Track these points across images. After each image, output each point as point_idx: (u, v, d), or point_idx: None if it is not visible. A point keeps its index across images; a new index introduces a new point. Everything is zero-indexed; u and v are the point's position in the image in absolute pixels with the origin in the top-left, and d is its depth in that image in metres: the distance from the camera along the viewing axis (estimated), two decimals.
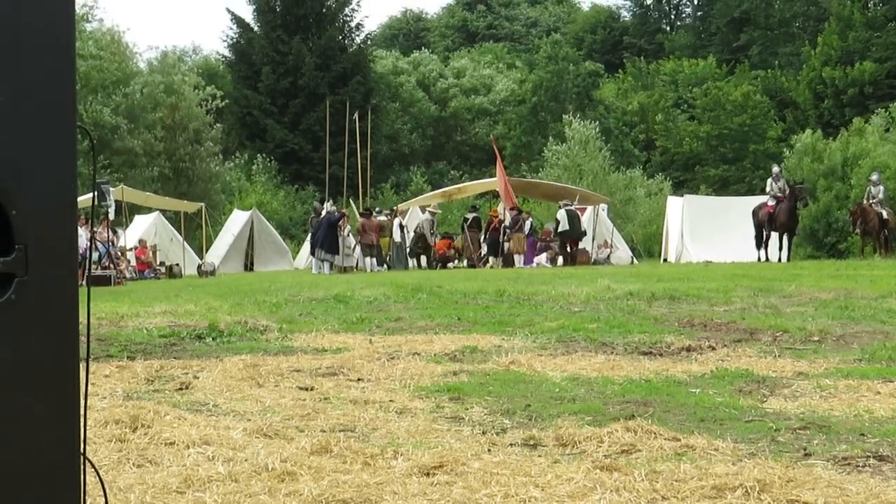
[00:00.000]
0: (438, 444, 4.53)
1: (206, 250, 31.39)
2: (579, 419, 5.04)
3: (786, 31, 59.46)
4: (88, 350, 2.49)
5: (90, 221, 20.16)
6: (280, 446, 4.40)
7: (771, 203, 22.78)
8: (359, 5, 65.59)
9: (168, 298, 13.20)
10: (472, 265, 26.24)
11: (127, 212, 28.45)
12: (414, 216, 29.56)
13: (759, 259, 22.47)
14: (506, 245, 25.81)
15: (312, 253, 25.79)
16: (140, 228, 29.64)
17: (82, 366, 2.23)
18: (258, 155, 47.65)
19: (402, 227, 26.98)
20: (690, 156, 52.19)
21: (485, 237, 26.94)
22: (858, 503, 3.49)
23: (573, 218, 25.40)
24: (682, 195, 33.34)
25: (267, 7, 52.34)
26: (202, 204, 32.30)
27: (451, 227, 30.41)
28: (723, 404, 5.42)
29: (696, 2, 69.15)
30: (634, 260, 29.18)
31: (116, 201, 24.58)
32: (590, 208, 28.93)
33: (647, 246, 36.27)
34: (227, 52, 54.69)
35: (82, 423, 2.23)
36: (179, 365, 7.22)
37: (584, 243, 26.64)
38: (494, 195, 30.56)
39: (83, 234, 17.96)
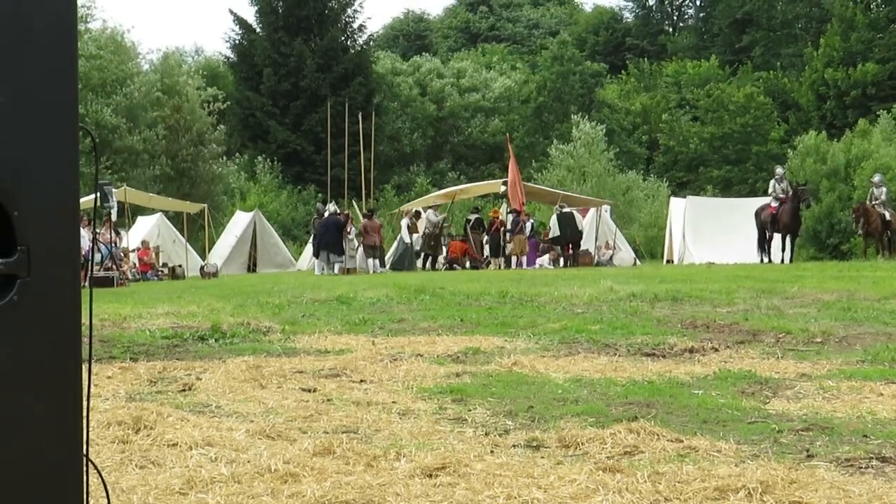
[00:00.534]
0: (441, 446, 4.52)
1: (209, 251, 31.39)
2: (582, 420, 5.03)
3: (788, 32, 59.44)
4: (91, 351, 2.49)
5: (93, 222, 20.16)
6: (283, 448, 4.39)
7: (774, 204, 22.77)
8: (361, 7, 65.60)
9: (171, 300, 13.21)
10: (474, 266, 26.24)
11: (129, 213, 28.43)
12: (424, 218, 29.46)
13: (761, 261, 22.46)
14: (507, 247, 25.81)
15: (316, 254, 25.80)
16: (143, 229, 29.62)
17: (85, 367, 2.23)
18: (260, 156, 47.66)
19: (409, 227, 26.95)
20: (693, 157, 52.18)
21: (487, 238, 26.95)
22: None
23: (565, 223, 25.34)
24: (684, 196, 33.33)
25: (269, 8, 52.32)
26: (205, 205, 32.25)
27: (453, 228, 30.38)
28: (725, 406, 5.41)
29: (698, 3, 69.23)
30: (637, 261, 29.18)
31: (119, 202, 24.57)
32: (592, 210, 28.91)
33: (650, 247, 36.26)
34: (229, 53, 54.76)
35: (85, 425, 2.23)
36: (182, 366, 7.22)
37: (587, 244, 26.62)
38: (496, 196, 30.53)
39: (86, 236, 17.97)
